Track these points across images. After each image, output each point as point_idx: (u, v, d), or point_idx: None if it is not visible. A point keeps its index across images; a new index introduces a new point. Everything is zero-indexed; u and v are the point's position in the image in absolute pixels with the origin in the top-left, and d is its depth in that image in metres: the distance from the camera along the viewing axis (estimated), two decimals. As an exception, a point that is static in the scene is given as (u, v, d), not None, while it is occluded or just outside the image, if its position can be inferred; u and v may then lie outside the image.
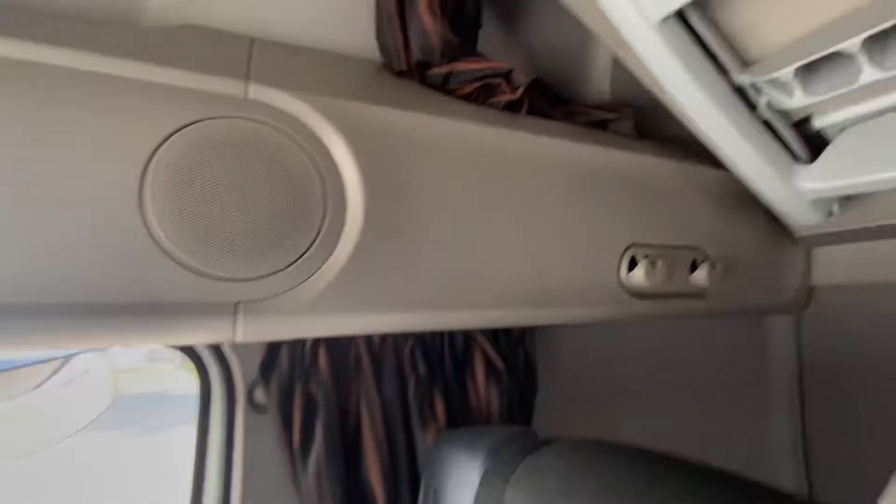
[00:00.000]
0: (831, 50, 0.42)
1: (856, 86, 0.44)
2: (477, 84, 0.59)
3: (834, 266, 0.85)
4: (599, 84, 0.81)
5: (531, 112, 0.68)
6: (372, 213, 0.48)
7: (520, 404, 0.62)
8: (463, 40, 0.59)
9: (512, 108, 0.61)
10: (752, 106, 0.54)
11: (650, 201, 0.67)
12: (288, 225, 0.45)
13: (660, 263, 0.64)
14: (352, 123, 0.47)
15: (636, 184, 0.66)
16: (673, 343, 0.86)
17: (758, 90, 0.53)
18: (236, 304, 0.43)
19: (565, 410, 0.75)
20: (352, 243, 0.47)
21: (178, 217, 0.41)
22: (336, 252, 0.46)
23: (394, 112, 0.50)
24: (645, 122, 0.76)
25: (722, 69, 0.53)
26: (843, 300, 0.85)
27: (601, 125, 0.70)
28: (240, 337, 0.44)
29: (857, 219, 0.65)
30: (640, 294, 0.65)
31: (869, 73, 0.42)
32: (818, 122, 0.56)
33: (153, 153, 0.40)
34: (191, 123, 0.41)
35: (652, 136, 0.75)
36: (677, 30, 0.50)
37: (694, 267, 0.70)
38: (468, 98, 0.60)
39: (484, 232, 0.55)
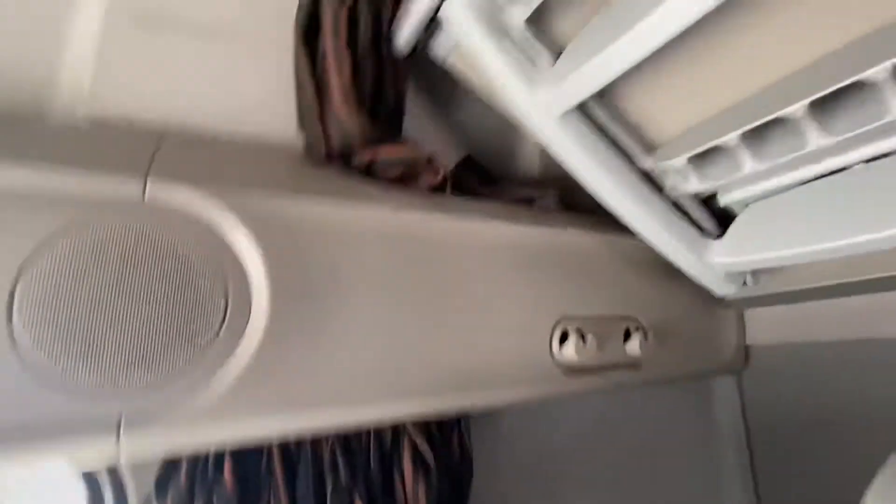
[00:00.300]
0: (713, 144, 0.45)
1: (739, 175, 0.47)
2: (401, 169, 0.60)
3: (768, 326, 0.87)
4: (529, 160, 0.85)
5: (460, 190, 0.70)
6: (280, 309, 0.46)
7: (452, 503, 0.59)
8: (385, 128, 0.61)
9: (438, 190, 0.62)
10: (659, 187, 0.57)
11: (579, 274, 0.68)
12: (180, 328, 0.42)
13: (590, 337, 0.64)
14: (259, 215, 0.46)
15: (563, 258, 0.67)
16: (618, 412, 0.85)
17: (664, 172, 0.56)
18: (119, 420, 0.40)
19: (506, 492, 0.71)
20: (255, 343, 0.44)
21: (50, 328, 0.38)
22: (237, 354, 0.44)
23: (307, 202, 0.50)
24: (572, 195, 0.79)
25: (627, 155, 0.56)
26: (781, 359, 0.87)
27: (528, 202, 0.72)
28: (124, 457, 0.40)
29: (777, 284, 0.67)
30: (573, 369, 0.65)
31: (750, 165, 0.45)
32: (723, 199, 0.59)
33: (25, 260, 0.38)
34: (73, 227, 0.39)
35: (579, 209, 0.78)
36: (579, 121, 0.52)
37: (627, 336, 0.70)
38: (393, 183, 0.60)
39: (408, 318, 0.54)
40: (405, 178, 0.60)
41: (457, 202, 0.63)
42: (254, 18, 0.59)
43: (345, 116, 0.55)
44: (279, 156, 0.58)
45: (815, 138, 0.40)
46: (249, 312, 0.45)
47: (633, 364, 0.71)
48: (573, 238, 0.69)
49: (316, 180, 0.55)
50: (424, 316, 0.54)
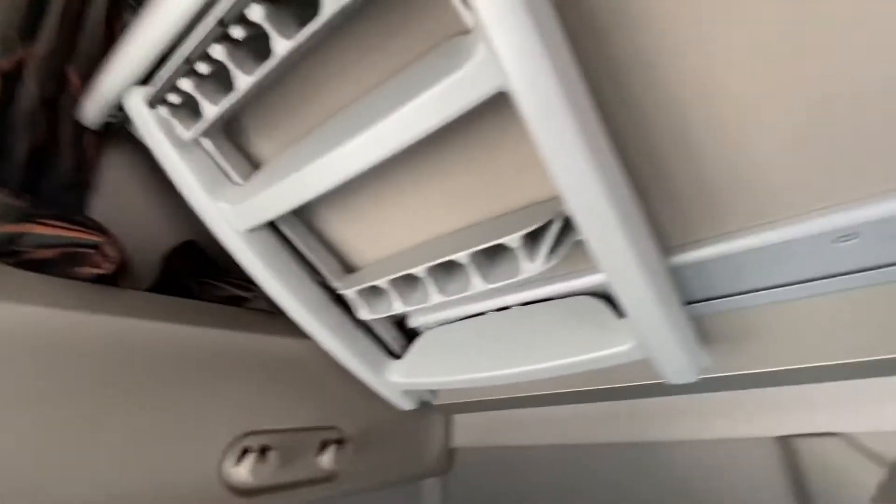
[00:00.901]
0: (369, 284, 0.51)
1: (392, 313, 0.53)
2: (56, 252, 0.51)
3: (472, 430, 0.98)
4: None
5: (165, 281, 0.62)
6: None
7: None
8: (49, 202, 0.52)
9: (104, 281, 0.54)
10: (348, 308, 0.61)
11: (275, 383, 0.66)
12: None
13: (272, 454, 0.61)
14: None
15: (259, 365, 0.65)
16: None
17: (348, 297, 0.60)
18: None
19: None
20: None
21: None
22: None
23: None
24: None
25: (319, 274, 0.59)
26: (483, 461, 0.97)
27: (238, 300, 0.69)
28: None
29: (452, 397, 0.76)
30: (248, 491, 0.60)
31: (398, 305, 0.52)
32: (410, 323, 0.66)
33: None
34: None
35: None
36: (267, 238, 0.53)
37: (324, 448, 0.69)
38: (41, 266, 0.50)
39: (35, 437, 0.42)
40: (61, 264, 0.51)
41: (124, 297, 0.56)
42: None
43: (-32, 185, 0.45)
44: None
45: (433, 296, 0.48)
46: None
47: (326, 477, 0.69)
48: (274, 344, 0.67)
49: None
50: (62, 433, 0.44)
